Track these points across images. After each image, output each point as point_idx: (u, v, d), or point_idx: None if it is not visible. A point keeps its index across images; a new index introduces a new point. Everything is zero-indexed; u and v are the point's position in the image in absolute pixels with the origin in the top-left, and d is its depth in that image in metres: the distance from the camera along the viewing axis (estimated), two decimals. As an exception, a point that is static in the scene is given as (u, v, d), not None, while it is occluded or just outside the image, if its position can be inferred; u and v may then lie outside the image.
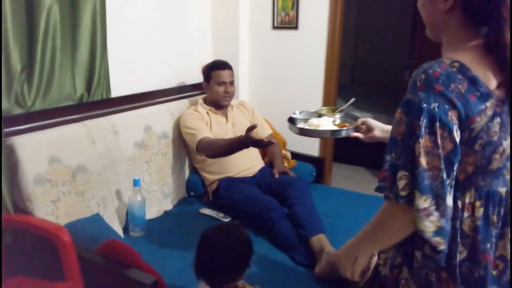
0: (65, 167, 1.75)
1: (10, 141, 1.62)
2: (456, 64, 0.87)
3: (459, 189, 0.90)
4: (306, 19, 2.74)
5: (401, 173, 0.88)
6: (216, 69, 2.30)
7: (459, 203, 0.90)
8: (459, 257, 0.91)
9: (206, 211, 2.16)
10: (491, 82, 0.87)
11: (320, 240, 1.75)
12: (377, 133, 1.38)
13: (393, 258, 1.02)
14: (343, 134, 1.40)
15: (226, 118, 2.37)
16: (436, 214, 0.85)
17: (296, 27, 2.77)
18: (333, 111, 1.55)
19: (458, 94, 0.84)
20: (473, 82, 0.85)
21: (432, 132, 0.84)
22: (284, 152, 2.57)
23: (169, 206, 2.22)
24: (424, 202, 0.85)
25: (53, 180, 1.70)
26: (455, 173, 0.87)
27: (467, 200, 0.91)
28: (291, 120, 1.58)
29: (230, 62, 2.39)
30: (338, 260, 1.10)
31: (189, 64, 2.76)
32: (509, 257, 0.93)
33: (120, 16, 2.19)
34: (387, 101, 4.18)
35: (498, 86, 0.87)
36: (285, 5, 2.76)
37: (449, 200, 0.86)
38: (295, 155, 2.64)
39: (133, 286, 1.29)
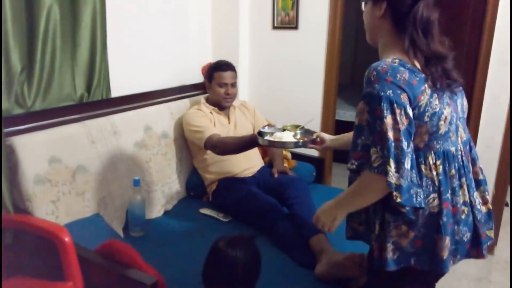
0: (65, 167, 1.75)
1: (10, 141, 1.62)
2: (396, 60, 1.12)
3: (422, 155, 1.14)
4: (306, 19, 2.74)
5: (373, 150, 1.09)
6: (218, 70, 2.29)
7: (423, 167, 1.13)
8: (431, 208, 1.13)
9: (206, 211, 2.16)
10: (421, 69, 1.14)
11: (320, 240, 1.75)
12: (328, 143, 1.71)
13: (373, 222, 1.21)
14: (301, 144, 1.74)
15: (228, 119, 2.37)
16: (396, 175, 1.07)
17: (296, 27, 2.77)
18: (296, 127, 1.85)
19: (404, 81, 1.08)
20: (412, 71, 1.11)
21: (392, 112, 1.07)
22: (284, 152, 2.57)
23: (169, 206, 2.22)
24: (392, 164, 1.07)
25: (53, 180, 1.70)
26: (411, 143, 1.10)
27: (431, 161, 1.14)
28: (260, 134, 1.83)
29: (230, 62, 2.39)
30: (317, 217, 1.32)
31: (189, 64, 2.76)
32: (470, 202, 1.19)
33: (120, 16, 2.19)
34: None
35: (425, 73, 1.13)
36: (285, 5, 2.76)
37: (407, 165, 1.08)
38: (295, 155, 2.64)
39: (133, 286, 1.29)
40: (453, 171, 1.16)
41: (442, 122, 1.13)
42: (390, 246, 1.15)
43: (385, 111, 1.06)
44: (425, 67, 1.14)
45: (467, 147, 1.24)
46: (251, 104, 2.62)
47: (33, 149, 1.67)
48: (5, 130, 1.62)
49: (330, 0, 2.63)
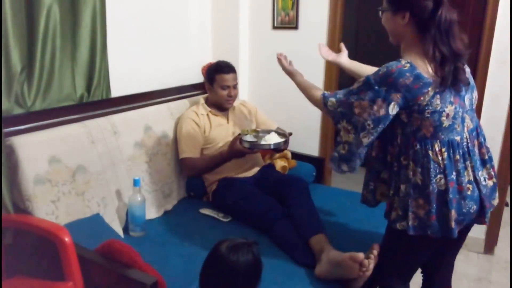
0: (65, 167, 1.75)
1: (10, 141, 1.62)
2: (407, 64, 1.28)
3: (430, 143, 1.32)
4: (306, 19, 2.74)
5: (332, 99, 1.43)
6: (220, 72, 2.27)
7: (430, 152, 1.32)
8: (438, 186, 1.33)
9: (206, 211, 2.16)
10: (431, 73, 1.28)
11: (320, 240, 1.75)
12: (343, 60, 2.04)
13: (388, 190, 1.46)
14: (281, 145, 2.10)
15: (227, 119, 2.37)
16: (352, 135, 1.37)
17: (296, 27, 2.77)
18: (256, 131, 2.20)
19: (404, 85, 1.27)
20: (417, 77, 1.27)
21: (372, 101, 1.30)
22: (284, 151, 2.58)
23: (169, 206, 2.22)
24: (344, 126, 1.38)
25: (53, 180, 1.70)
26: (379, 128, 1.32)
27: (436, 149, 1.32)
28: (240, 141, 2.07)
29: (230, 62, 2.39)
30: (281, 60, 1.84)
31: (189, 64, 2.76)
32: (475, 180, 1.37)
33: (120, 16, 2.19)
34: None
35: (437, 75, 1.28)
36: (285, 5, 2.76)
37: (366, 139, 1.34)
38: (295, 155, 2.65)
39: (133, 286, 1.29)
40: (457, 156, 1.33)
41: (444, 118, 1.30)
42: (411, 215, 1.36)
43: (367, 97, 1.31)
44: (439, 67, 1.27)
45: (474, 134, 1.39)
46: (252, 104, 2.62)
47: (33, 149, 1.67)
48: (5, 130, 1.62)
49: (330, 0, 2.63)
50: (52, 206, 1.68)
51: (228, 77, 2.27)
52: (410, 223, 1.36)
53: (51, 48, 1.81)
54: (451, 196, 1.33)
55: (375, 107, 1.29)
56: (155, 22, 2.46)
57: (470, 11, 2.50)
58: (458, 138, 1.34)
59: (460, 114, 1.34)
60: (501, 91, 2.41)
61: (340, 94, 1.41)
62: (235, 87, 2.31)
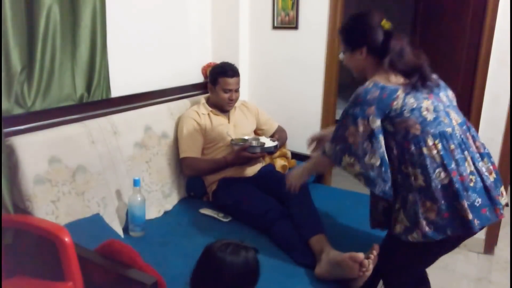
0: (65, 167, 1.75)
1: (10, 141, 1.62)
2: (370, 83, 1.43)
3: (422, 139, 1.37)
4: (306, 19, 2.74)
5: (328, 144, 1.52)
6: (224, 76, 2.27)
7: (425, 149, 1.37)
8: (440, 181, 1.36)
9: (206, 211, 2.16)
10: (398, 81, 1.43)
11: (320, 240, 1.75)
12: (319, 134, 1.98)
13: (394, 203, 1.48)
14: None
15: (228, 119, 2.37)
16: (358, 165, 1.43)
17: (296, 27, 2.77)
18: (244, 140, 2.28)
19: (373, 98, 1.39)
20: (382, 88, 1.41)
21: (355, 124, 1.41)
22: (284, 150, 2.58)
23: (169, 206, 2.21)
24: (349, 159, 1.44)
25: (53, 180, 1.70)
26: (377, 143, 1.40)
27: (430, 143, 1.37)
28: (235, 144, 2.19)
29: (230, 62, 2.39)
30: (288, 179, 1.75)
31: (189, 64, 2.76)
32: (476, 171, 1.39)
33: (120, 16, 2.19)
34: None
35: (405, 80, 1.43)
36: (285, 5, 2.76)
37: (373, 159, 1.41)
38: (295, 155, 2.65)
39: (133, 286, 1.29)
40: (452, 146, 1.38)
41: (425, 112, 1.39)
42: (423, 222, 1.38)
43: (350, 123, 1.43)
44: (406, 78, 1.44)
45: (464, 127, 1.45)
46: (253, 104, 2.62)
47: (33, 149, 1.67)
48: (5, 130, 1.62)
49: (330, 0, 2.63)
50: (52, 206, 1.68)
51: (232, 81, 2.27)
52: (425, 230, 1.37)
53: (51, 48, 1.81)
54: (457, 185, 1.34)
55: (360, 128, 1.40)
56: (155, 22, 2.45)
57: (470, 11, 2.51)
58: (449, 129, 1.39)
59: (442, 108, 1.42)
60: (501, 91, 2.41)
61: (332, 137, 1.52)
62: (237, 90, 2.31)
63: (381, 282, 1.80)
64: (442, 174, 1.36)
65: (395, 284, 1.62)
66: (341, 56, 1.61)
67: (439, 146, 1.37)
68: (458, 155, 1.37)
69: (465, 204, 1.34)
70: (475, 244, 2.65)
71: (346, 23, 1.60)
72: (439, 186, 1.36)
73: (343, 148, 1.45)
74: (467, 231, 1.37)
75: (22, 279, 1.46)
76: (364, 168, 1.41)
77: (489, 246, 2.64)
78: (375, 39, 1.46)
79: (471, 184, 1.36)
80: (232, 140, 2.24)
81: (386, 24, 1.47)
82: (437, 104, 1.42)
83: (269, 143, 2.27)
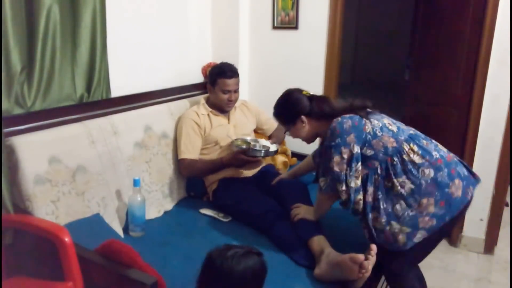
0: (65, 167, 1.75)
1: (10, 141, 1.62)
2: (338, 119, 1.62)
3: (400, 148, 1.56)
4: (306, 19, 2.74)
5: (321, 179, 1.68)
6: (223, 76, 2.26)
7: (405, 156, 1.55)
8: (426, 176, 1.53)
9: (206, 211, 2.16)
10: None
11: (319, 241, 1.75)
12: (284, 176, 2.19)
13: (381, 219, 1.57)
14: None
15: (228, 119, 2.37)
16: (346, 190, 1.58)
17: (296, 27, 2.77)
18: (247, 142, 2.27)
19: (348, 126, 1.58)
20: (351, 117, 1.61)
21: (339, 153, 1.58)
22: (284, 147, 2.60)
23: (169, 206, 2.22)
24: (341, 187, 1.58)
25: (53, 180, 1.70)
26: (357, 167, 1.57)
27: (406, 148, 1.56)
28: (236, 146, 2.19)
29: (230, 62, 2.38)
30: (308, 217, 1.83)
31: (189, 64, 2.76)
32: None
33: (120, 16, 2.19)
34: (387, 101, 4.18)
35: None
36: (285, 5, 2.76)
37: (353, 183, 1.57)
38: (295, 155, 2.65)
39: (133, 286, 1.29)
40: (424, 141, 1.60)
41: (390, 126, 1.61)
42: (426, 218, 1.52)
43: (334, 154, 1.58)
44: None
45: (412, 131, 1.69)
46: (253, 104, 2.62)
47: (33, 149, 1.67)
48: (5, 130, 1.62)
49: (330, 0, 2.63)
50: (52, 206, 1.68)
51: (230, 81, 2.27)
52: (429, 225, 1.52)
53: (51, 48, 1.81)
54: (446, 170, 1.54)
55: (344, 156, 1.57)
56: (155, 22, 2.45)
57: (470, 11, 2.51)
58: (411, 131, 1.65)
59: (392, 122, 1.67)
60: (501, 91, 2.41)
61: (323, 173, 1.67)
62: (236, 91, 2.31)
63: (381, 282, 1.80)
64: (427, 171, 1.53)
65: (403, 283, 1.67)
66: (287, 134, 1.85)
67: (415, 147, 1.56)
68: (432, 146, 1.60)
69: (456, 183, 1.53)
70: (475, 244, 2.65)
71: (278, 107, 1.84)
72: (428, 181, 1.52)
73: (334, 178, 1.60)
74: (464, 207, 1.57)
75: (22, 279, 1.46)
76: (351, 190, 1.58)
77: (489, 246, 2.64)
78: (306, 105, 1.74)
79: (455, 159, 1.61)
80: (233, 141, 2.23)
81: (305, 92, 1.80)
82: (389, 121, 1.66)
83: (271, 147, 2.27)
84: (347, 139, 1.57)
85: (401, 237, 1.54)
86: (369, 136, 1.57)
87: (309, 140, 1.82)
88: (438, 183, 1.52)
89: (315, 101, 1.76)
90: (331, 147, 1.60)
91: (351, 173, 1.57)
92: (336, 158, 1.58)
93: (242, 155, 2.14)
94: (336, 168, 1.58)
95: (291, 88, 1.86)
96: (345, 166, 1.57)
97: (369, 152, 1.57)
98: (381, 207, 1.56)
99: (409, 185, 1.52)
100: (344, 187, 1.58)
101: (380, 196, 1.57)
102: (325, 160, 1.63)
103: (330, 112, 1.70)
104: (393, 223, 1.54)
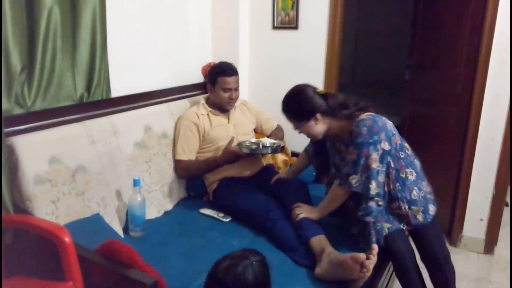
0: (65, 167, 1.75)
1: (10, 141, 1.62)
2: (365, 116, 1.73)
3: (402, 145, 1.78)
4: (306, 19, 2.74)
5: (354, 177, 1.71)
6: (222, 75, 2.27)
7: (406, 150, 1.79)
8: (417, 165, 1.81)
9: (206, 211, 2.16)
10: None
11: (320, 240, 1.75)
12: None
13: (404, 206, 1.75)
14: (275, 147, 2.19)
15: (228, 119, 2.37)
16: (378, 185, 1.68)
17: (296, 27, 2.77)
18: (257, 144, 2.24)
19: (381, 125, 1.70)
20: (377, 116, 1.74)
21: (376, 150, 1.67)
22: (285, 146, 2.60)
23: (169, 206, 2.21)
24: (374, 183, 1.67)
25: (53, 180, 1.70)
26: (386, 160, 1.71)
27: (405, 144, 1.80)
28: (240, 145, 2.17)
29: (230, 62, 2.38)
30: (311, 215, 1.84)
31: (189, 64, 2.76)
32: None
33: (120, 16, 2.19)
34: (387, 101, 4.17)
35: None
36: (285, 5, 2.76)
37: (382, 179, 1.69)
38: (295, 155, 2.65)
39: (133, 286, 1.29)
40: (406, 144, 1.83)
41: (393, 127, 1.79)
42: (428, 195, 1.80)
43: (372, 151, 1.66)
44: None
45: None
46: (253, 104, 2.62)
47: (33, 149, 1.67)
48: (5, 130, 1.62)
49: (330, 0, 2.63)
50: (52, 206, 1.67)
51: (230, 80, 2.27)
52: (432, 198, 1.80)
53: (52, 48, 1.81)
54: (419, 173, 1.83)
55: (380, 152, 1.67)
56: (155, 22, 2.45)
57: (470, 11, 2.50)
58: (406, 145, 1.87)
59: None
60: (501, 91, 2.41)
61: (356, 170, 1.69)
62: (236, 89, 2.31)
63: (380, 282, 1.80)
64: (415, 161, 1.81)
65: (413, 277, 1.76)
66: (297, 131, 1.85)
67: (405, 143, 1.81)
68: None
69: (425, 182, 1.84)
70: (475, 244, 2.65)
71: (290, 103, 1.84)
72: (419, 168, 1.81)
73: (370, 175, 1.66)
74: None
75: (22, 279, 1.46)
76: (379, 187, 1.68)
77: (489, 246, 2.64)
78: (321, 103, 1.76)
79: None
80: (240, 143, 2.17)
81: (319, 91, 1.80)
82: None
83: (277, 143, 2.23)
84: (381, 136, 1.67)
85: (420, 216, 1.75)
86: (390, 134, 1.70)
87: (318, 137, 1.82)
88: (422, 169, 1.82)
89: (330, 99, 1.78)
90: (369, 144, 1.66)
91: (382, 169, 1.68)
92: (374, 155, 1.65)
93: (233, 148, 2.13)
94: (374, 165, 1.66)
95: (301, 84, 1.85)
96: (379, 163, 1.67)
97: (388, 147, 1.69)
98: (399, 195, 1.72)
99: (414, 174, 1.75)
100: (376, 184, 1.66)
101: (398, 187, 1.72)
102: (359, 157, 1.67)
103: (346, 111, 1.75)
104: (414, 207, 1.74)
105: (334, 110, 1.76)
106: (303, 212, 1.86)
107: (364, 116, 1.71)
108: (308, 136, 1.86)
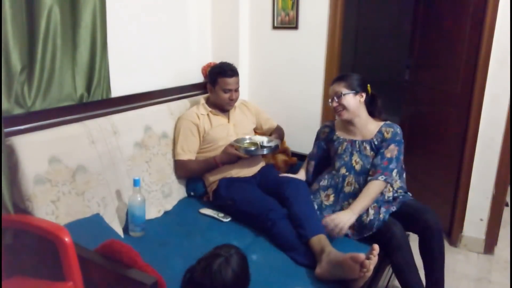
0: (65, 167, 1.75)
1: (10, 141, 1.62)
2: (391, 123, 2.11)
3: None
4: (306, 19, 2.74)
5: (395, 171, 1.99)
6: (223, 76, 2.26)
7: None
8: None
9: (206, 211, 2.16)
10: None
11: (320, 240, 1.75)
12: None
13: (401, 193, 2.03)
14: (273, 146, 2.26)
15: (228, 118, 2.37)
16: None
17: (296, 27, 2.77)
18: (255, 144, 2.29)
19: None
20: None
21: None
22: (285, 146, 2.60)
23: (169, 206, 2.21)
24: (395, 175, 1.99)
25: (53, 180, 1.70)
26: None
27: None
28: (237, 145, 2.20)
29: (230, 62, 2.39)
30: (350, 222, 1.84)
31: (189, 64, 2.76)
32: None
33: (120, 16, 2.19)
34: (387, 101, 4.17)
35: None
36: (285, 5, 2.76)
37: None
38: (295, 155, 2.65)
39: (133, 286, 1.29)
40: None
41: None
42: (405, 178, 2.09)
43: (402, 149, 2.01)
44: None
45: None
46: (253, 103, 2.62)
47: (33, 149, 1.67)
48: (5, 130, 1.62)
49: (330, 0, 2.63)
50: (52, 206, 1.67)
51: (231, 80, 2.27)
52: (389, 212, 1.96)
53: (52, 48, 1.81)
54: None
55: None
56: (155, 22, 2.45)
57: (470, 11, 2.50)
58: None
59: None
60: (501, 91, 2.41)
61: (391, 165, 1.95)
62: (236, 90, 2.31)
63: (381, 282, 1.80)
64: None
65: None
66: (335, 101, 2.02)
67: None
68: None
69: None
70: (475, 244, 2.65)
71: (351, 75, 2.07)
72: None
73: (401, 168, 2.03)
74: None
75: (22, 279, 1.46)
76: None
77: (489, 246, 2.64)
78: (368, 93, 2.07)
79: None
80: (240, 146, 2.20)
81: (369, 88, 2.08)
82: None
83: (274, 142, 2.29)
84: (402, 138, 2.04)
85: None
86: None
87: (347, 114, 2.01)
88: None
89: (377, 98, 2.14)
90: (402, 144, 2.00)
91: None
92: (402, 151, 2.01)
93: (234, 150, 2.16)
94: (402, 157, 2.01)
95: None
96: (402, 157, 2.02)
97: None
98: (400, 185, 2.04)
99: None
100: (398, 176, 2.00)
101: (400, 178, 2.03)
102: (399, 153, 1.98)
103: (382, 114, 2.12)
104: (406, 194, 2.04)
105: (375, 106, 2.10)
106: (342, 222, 1.81)
107: (389, 121, 2.06)
108: (342, 109, 2.01)
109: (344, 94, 1.99)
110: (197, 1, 2.76)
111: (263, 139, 2.32)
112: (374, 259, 1.52)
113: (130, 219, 1.93)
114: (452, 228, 2.70)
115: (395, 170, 1.95)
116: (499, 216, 2.59)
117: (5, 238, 1.53)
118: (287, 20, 2.78)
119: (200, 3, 2.79)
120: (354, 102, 2.00)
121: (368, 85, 2.06)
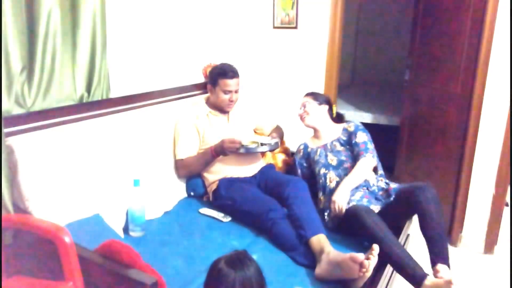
0: (65, 167, 1.75)
1: (10, 141, 1.62)
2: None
3: None
4: (306, 19, 2.74)
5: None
6: (224, 77, 2.26)
7: None
8: None
9: (206, 211, 2.16)
10: None
11: (320, 240, 1.75)
12: None
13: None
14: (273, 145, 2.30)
15: (228, 119, 2.37)
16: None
17: (296, 27, 2.77)
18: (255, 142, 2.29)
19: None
20: None
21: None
22: (285, 146, 2.59)
23: (169, 206, 2.21)
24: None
25: (53, 180, 1.70)
26: None
27: None
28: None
29: (230, 62, 2.39)
30: (343, 202, 1.96)
31: (189, 64, 2.76)
32: None
33: (120, 16, 2.19)
34: (387, 101, 4.18)
35: None
36: (285, 5, 2.76)
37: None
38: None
39: (133, 286, 1.29)
40: None
41: None
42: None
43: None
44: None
45: None
46: (252, 103, 2.62)
47: (33, 149, 1.67)
48: (5, 130, 1.62)
49: (330, 0, 2.63)
50: (52, 206, 1.67)
51: (232, 82, 2.27)
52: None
53: (52, 48, 1.81)
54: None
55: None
56: (155, 22, 2.45)
57: (470, 10, 2.51)
58: None
59: None
60: (501, 91, 2.41)
61: (369, 145, 2.15)
62: (237, 91, 2.31)
63: (381, 282, 1.80)
64: None
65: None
66: (302, 109, 2.31)
67: None
68: None
69: None
70: (475, 244, 2.65)
71: (319, 93, 2.41)
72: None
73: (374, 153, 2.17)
74: None
75: (22, 279, 1.46)
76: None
77: (489, 246, 2.64)
78: (330, 107, 2.36)
79: None
80: (241, 145, 2.18)
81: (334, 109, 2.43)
82: None
83: (274, 140, 2.31)
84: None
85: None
86: None
87: (308, 119, 2.29)
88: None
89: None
90: (368, 132, 2.21)
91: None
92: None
93: (229, 140, 2.14)
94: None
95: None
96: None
97: None
98: (380, 172, 2.18)
99: None
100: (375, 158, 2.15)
101: (379, 164, 2.18)
102: (369, 139, 2.18)
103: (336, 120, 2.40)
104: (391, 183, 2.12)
105: (332, 115, 2.40)
106: (339, 202, 1.96)
107: (347, 120, 2.39)
108: (307, 115, 2.29)
109: (309, 103, 2.30)
110: (197, 1, 2.75)
111: (264, 139, 2.32)
112: (374, 259, 1.52)
113: (130, 219, 1.93)
114: (452, 228, 2.71)
115: (375, 151, 2.13)
116: (499, 216, 2.59)
117: (5, 238, 1.53)
118: (287, 20, 2.78)
119: (200, 3, 2.79)
120: (316, 110, 2.28)
121: (334, 105, 2.42)
